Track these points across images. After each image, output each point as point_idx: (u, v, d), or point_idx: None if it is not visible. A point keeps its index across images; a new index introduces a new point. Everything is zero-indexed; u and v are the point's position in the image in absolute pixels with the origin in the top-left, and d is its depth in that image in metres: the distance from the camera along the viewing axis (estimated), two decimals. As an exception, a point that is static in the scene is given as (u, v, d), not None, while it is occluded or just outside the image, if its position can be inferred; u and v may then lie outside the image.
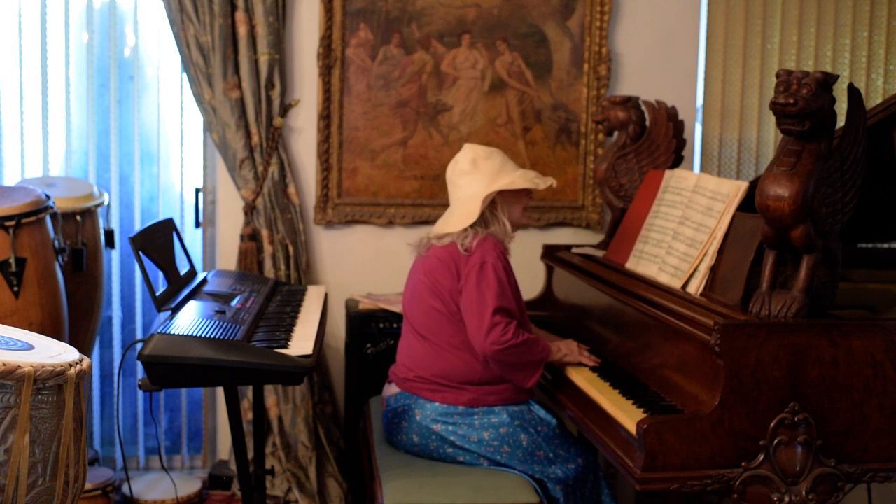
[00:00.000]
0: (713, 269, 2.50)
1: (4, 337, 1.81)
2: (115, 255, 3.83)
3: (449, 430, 2.75)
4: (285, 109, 3.70)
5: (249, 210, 3.68)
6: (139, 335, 3.89)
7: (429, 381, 2.79)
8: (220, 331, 2.33)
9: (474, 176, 2.81)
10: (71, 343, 2.76)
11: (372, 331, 3.48)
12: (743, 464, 2.14)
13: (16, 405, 1.62)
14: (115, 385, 3.49)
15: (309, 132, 3.77)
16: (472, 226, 2.78)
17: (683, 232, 2.66)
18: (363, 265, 3.85)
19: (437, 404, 2.77)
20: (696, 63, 3.94)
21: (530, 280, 3.65)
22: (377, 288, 3.81)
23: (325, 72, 3.71)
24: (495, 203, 2.81)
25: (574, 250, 3.37)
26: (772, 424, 2.13)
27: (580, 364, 2.78)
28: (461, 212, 2.81)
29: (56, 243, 3.06)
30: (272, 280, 3.22)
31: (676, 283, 2.58)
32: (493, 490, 2.60)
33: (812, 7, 3.97)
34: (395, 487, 2.61)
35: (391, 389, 2.90)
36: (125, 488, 3.61)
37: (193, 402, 4.01)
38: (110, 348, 3.90)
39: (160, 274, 2.69)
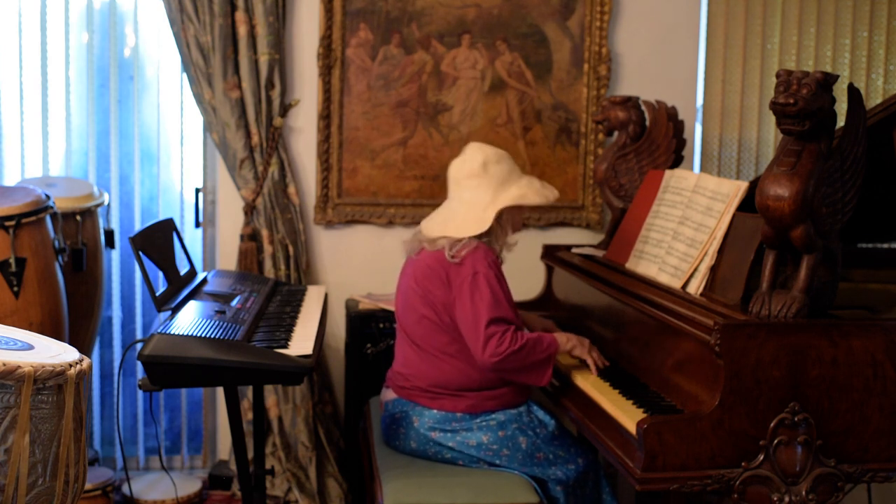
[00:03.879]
0: (713, 269, 2.50)
1: (4, 337, 1.81)
2: (115, 255, 3.83)
3: (447, 437, 2.74)
4: (285, 109, 3.70)
5: (249, 210, 3.68)
6: (139, 335, 3.89)
7: (426, 390, 2.77)
8: (220, 331, 2.33)
9: (482, 180, 2.75)
10: (71, 343, 2.76)
11: (372, 331, 3.48)
12: (743, 464, 2.14)
13: (16, 405, 1.62)
14: (115, 385, 3.49)
15: (309, 132, 3.77)
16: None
17: (683, 232, 2.66)
18: (363, 265, 3.85)
19: (434, 411, 2.75)
20: (696, 63, 3.94)
21: (530, 280, 3.65)
22: (377, 288, 3.81)
23: (325, 72, 3.71)
24: (501, 214, 2.77)
25: (574, 250, 3.37)
26: (772, 424, 2.13)
27: (586, 360, 2.75)
28: (466, 217, 2.75)
29: (56, 243, 3.06)
30: (272, 280, 3.22)
31: (676, 283, 2.58)
32: (493, 490, 2.60)
33: (812, 7, 3.97)
34: (395, 487, 2.61)
35: (389, 395, 2.89)
36: (125, 488, 3.61)
37: (193, 402, 4.01)
38: (110, 348, 3.90)
39: (160, 274, 2.69)
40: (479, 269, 2.67)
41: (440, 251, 2.74)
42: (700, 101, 3.98)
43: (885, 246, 3.25)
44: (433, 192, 3.80)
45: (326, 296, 3.11)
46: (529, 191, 2.76)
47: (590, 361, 2.72)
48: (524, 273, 3.70)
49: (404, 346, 2.86)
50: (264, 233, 3.68)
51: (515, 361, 2.64)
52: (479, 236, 2.74)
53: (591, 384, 2.60)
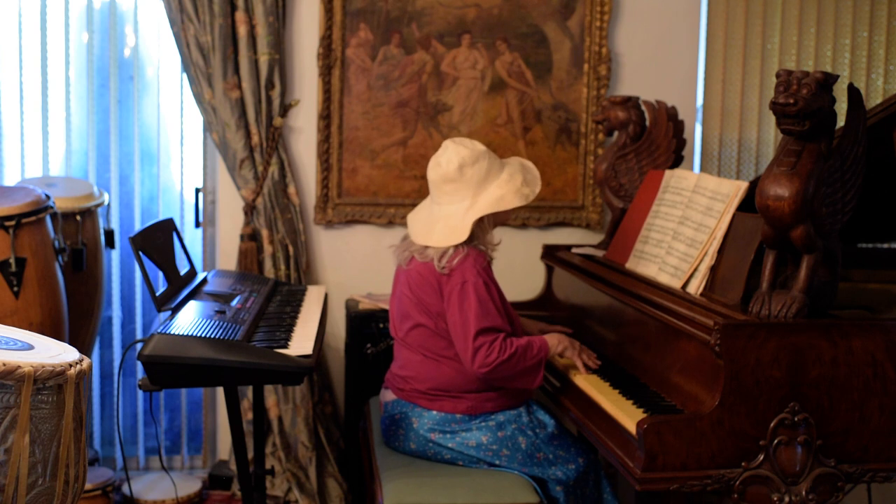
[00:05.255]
0: (713, 269, 2.50)
1: (4, 337, 1.81)
2: (115, 255, 3.83)
3: (446, 438, 2.73)
4: (285, 109, 3.70)
5: (249, 210, 3.68)
6: (139, 335, 3.89)
7: (425, 392, 2.77)
8: (220, 331, 2.33)
9: (459, 185, 2.69)
10: (71, 343, 2.76)
11: (372, 331, 3.48)
12: (743, 464, 2.14)
13: (16, 405, 1.62)
14: (115, 385, 3.50)
15: (309, 132, 3.77)
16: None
17: (683, 232, 2.66)
18: (363, 265, 3.85)
19: (434, 413, 2.75)
20: (696, 63, 3.94)
21: (530, 280, 3.66)
22: (377, 288, 3.81)
23: (325, 72, 3.71)
24: (481, 218, 2.70)
25: (574, 250, 3.37)
26: (772, 424, 2.13)
27: (576, 362, 2.76)
28: (445, 226, 2.70)
29: (56, 243, 3.06)
30: (272, 280, 3.22)
31: (676, 283, 2.58)
32: (493, 490, 2.60)
33: (812, 7, 3.97)
34: (395, 487, 2.61)
35: (388, 395, 2.89)
36: (125, 488, 3.62)
37: (193, 402, 4.01)
38: (110, 348, 3.90)
39: (160, 274, 2.69)
40: (468, 278, 2.64)
41: (430, 262, 2.71)
42: (700, 101, 3.98)
43: (885, 246, 3.25)
44: (433, 192, 3.80)
45: (326, 296, 3.11)
46: (508, 191, 2.69)
47: (579, 364, 2.72)
48: (524, 273, 3.70)
49: (403, 349, 2.86)
50: (264, 233, 3.68)
51: (505, 370, 2.63)
52: (464, 243, 2.69)
53: (590, 384, 2.60)
